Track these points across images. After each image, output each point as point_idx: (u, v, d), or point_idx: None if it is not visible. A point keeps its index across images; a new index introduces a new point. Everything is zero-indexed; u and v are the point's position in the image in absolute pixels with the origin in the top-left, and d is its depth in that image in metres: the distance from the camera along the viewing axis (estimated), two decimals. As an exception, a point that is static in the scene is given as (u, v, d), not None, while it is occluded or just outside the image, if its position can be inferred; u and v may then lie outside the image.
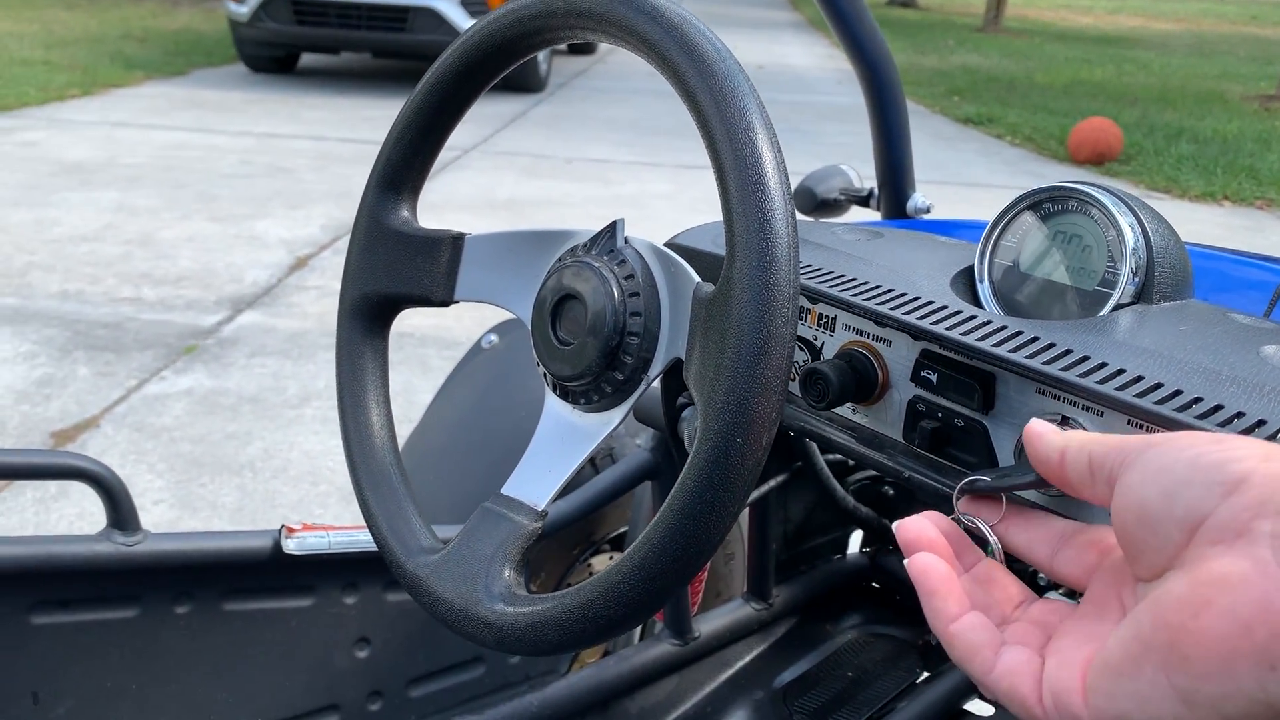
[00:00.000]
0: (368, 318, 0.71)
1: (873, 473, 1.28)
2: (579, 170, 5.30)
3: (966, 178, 5.78)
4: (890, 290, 0.60)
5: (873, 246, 0.70)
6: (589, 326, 0.57)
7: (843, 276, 0.63)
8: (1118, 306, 0.57)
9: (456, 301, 0.70)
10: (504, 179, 4.94)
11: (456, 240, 0.68)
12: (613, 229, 0.61)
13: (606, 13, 0.56)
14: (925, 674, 1.21)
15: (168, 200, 4.22)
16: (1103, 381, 0.49)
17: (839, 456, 1.24)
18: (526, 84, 7.67)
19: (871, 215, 1.25)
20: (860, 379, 0.60)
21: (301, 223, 4.03)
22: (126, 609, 0.90)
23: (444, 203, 4.37)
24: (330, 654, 1.01)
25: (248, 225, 3.96)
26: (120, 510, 0.87)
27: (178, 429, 2.40)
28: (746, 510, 1.20)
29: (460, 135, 5.82)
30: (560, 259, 0.63)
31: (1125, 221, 0.57)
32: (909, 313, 0.57)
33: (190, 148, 5.19)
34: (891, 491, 1.28)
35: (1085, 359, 0.51)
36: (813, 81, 9.23)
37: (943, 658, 1.22)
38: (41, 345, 2.80)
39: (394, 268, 0.70)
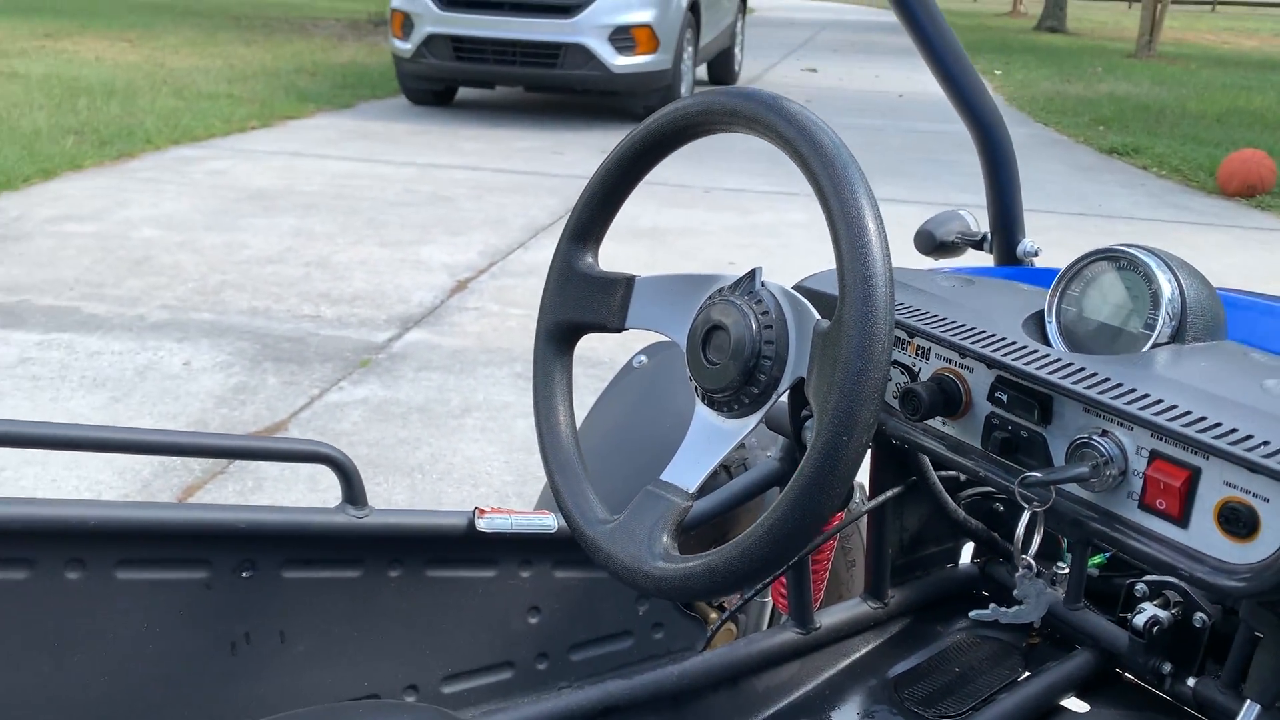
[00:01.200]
0: (558, 340, 0.91)
1: (984, 489, 1.42)
2: (717, 199, 5.49)
3: (1108, 210, 5.72)
4: (973, 329, 0.76)
5: (964, 292, 0.86)
6: (731, 351, 0.75)
7: (936, 316, 0.80)
8: (1155, 345, 0.71)
9: (627, 329, 0.89)
10: (646, 208, 5.17)
11: (629, 281, 0.87)
12: (752, 275, 0.78)
13: (753, 114, 0.74)
14: (1026, 673, 1.33)
15: (341, 226, 4.60)
16: (1131, 403, 0.64)
17: (952, 473, 1.38)
18: (668, 115, 7.91)
19: (986, 258, 1.38)
20: (948, 397, 0.76)
21: (461, 249, 4.34)
22: (352, 570, 1.12)
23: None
24: (507, 619, 1.20)
25: (413, 250, 4.29)
26: (354, 489, 1.09)
27: (355, 434, 2.68)
28: (866, 518, 1.35)
29: (595, 163, 6.09)
30: (710, 297, 0.81)
31: (1164, 278, 0.72)
32: (985, 347, 0.73)
33: (359, 177, 5.60)
34: (1001, 507, 1.41)
35: (1119, 385, 0.66)
36: (950, 111, 9.19)
37: (1044, 658, 1.34)
38: (235, 356, 3.15)
39: (580, 302, 0.89)
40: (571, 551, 1.23)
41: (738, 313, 0.76)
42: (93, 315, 3.40)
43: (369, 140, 6.66)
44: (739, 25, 10.80)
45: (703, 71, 9.76)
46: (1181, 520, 0.63)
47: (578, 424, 0.93)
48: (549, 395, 0.91)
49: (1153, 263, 0.72)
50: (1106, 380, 0.66)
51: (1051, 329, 0.77)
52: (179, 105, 7.13)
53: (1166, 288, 0.71)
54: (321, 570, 1.10)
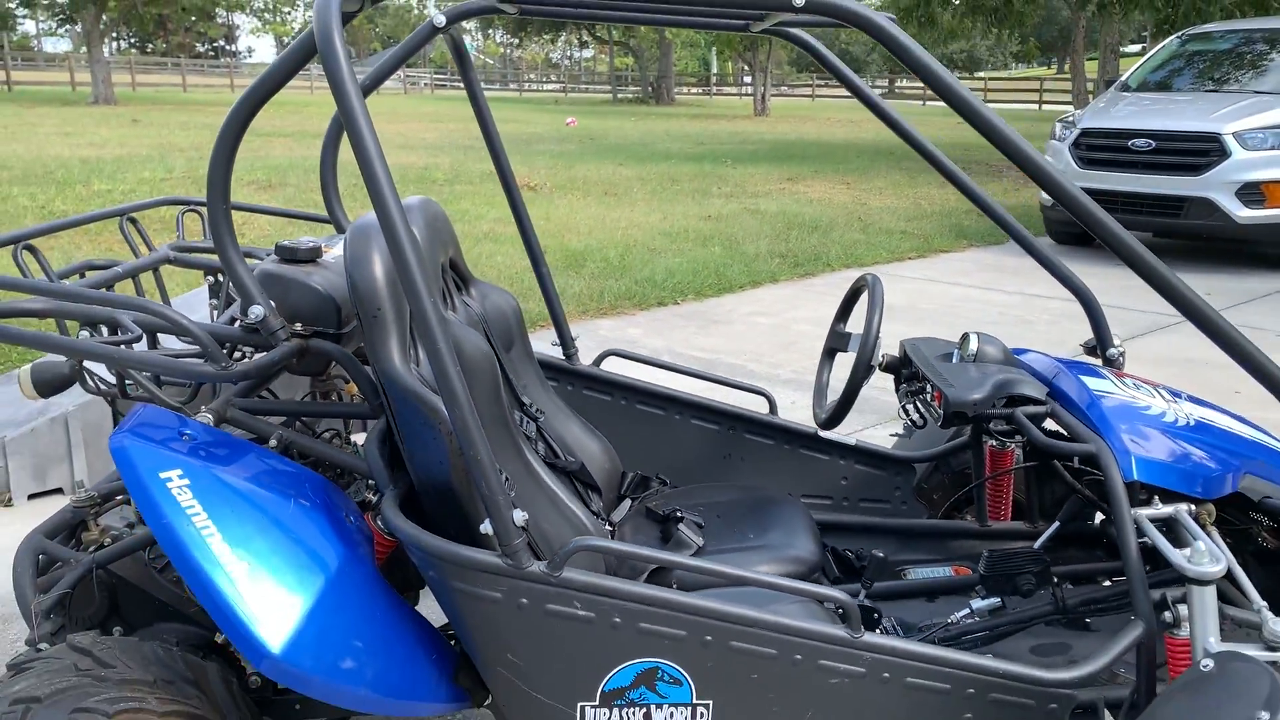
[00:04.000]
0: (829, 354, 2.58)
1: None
2: (1283, 344, 6.06)
3: None
4: (918, 349, 2.27)
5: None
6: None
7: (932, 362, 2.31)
8: (963, 361, 2.18)
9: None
10: (1205, 347, 6.00)
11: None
12: (966, 337, 2.39)
13: None
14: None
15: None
16: (927, 368, 2.14)
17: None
18: (1300, 258, 8.21)
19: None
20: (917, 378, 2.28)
21: (1010, 357, 5.74)
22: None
23: (1152, 357, 5.65)
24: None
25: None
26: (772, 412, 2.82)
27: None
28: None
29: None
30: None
31: (974, 341, 2.18)
32: (916, 357, 2.25)
33: (971, 301, 7.21)
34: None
35: (934, 369, 2.15)
36: None
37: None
38: (823, 403, 5.00)
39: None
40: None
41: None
42: (751, 371, 5.53)
43: (997, 272, 8.21)
44: None
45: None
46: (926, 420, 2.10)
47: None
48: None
49: (973, 337, 2.16)
50: (930, 363, 2.15)
51: (956, 354, 2.23)
52: (861, 239, 9.39)
53: (973, 344, 2.15)
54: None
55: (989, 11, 15.61)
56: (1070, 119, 9.18)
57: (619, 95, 48.35)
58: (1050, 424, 2.13)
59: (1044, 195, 9.06)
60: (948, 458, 2.78)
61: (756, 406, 2.91)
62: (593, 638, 1.68)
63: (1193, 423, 2.13)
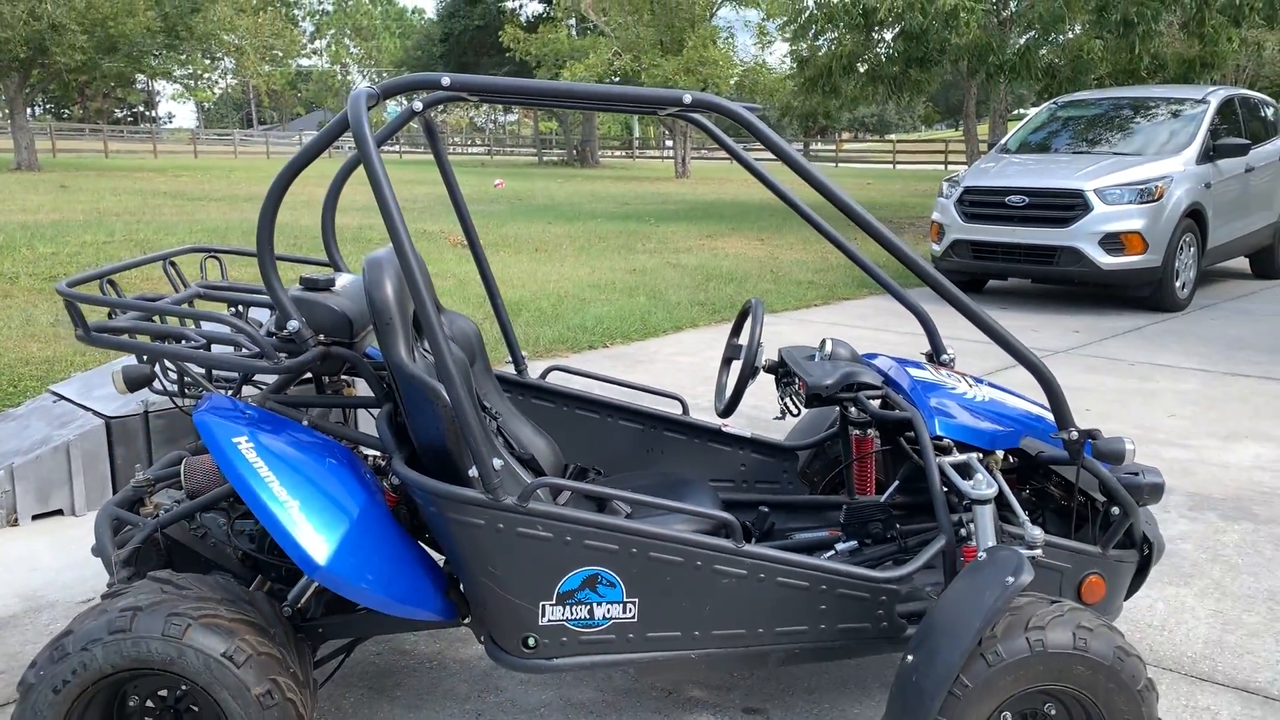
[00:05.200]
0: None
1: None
2: (1132, 370, 6.96)
3: None
4: (790, 348, 2.98)
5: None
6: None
7: (810, 354, 3.02)
8: (822, 360, 2.89)
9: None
10: (1070, 375, 6.85)
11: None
12: (824, 343, 3.10)
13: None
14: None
15: (832, 368, 7.07)
16: (797, 364, 2.86)
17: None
18: (1161, 304, 9.22)
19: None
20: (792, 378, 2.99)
21: (898, 386, 6.53)
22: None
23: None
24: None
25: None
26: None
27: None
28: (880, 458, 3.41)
29: (1063, 340, 7.82)
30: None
31: (830, 344, 2.90)
32: (787, 356, 2.96)
33: (866, 341, 8.00)
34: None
35: (800, 364, 2.87)
36: None
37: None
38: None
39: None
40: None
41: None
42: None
43: (891, 316, 9.06)
44: (1289, 227, 11.38)
45: (1244, 264, 10.85)
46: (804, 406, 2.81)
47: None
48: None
49: (829, 341, 2.87)
50: (797, 361, 2.86)
51: (818, 356, 2.94)
52: (772, 288, 10.21)
53: (828, 347, 2.87)
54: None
55: (888, 80, 16.80)
56: (956, 178, 10.16)
57: (544, 158, 49.40)
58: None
59: (934, 248, 10.00)
60: (823, 446, 3.48)
61: (673, 410, 3.59)
62: (551, 552, 2.32)
63: (986, 399, 2.87)
